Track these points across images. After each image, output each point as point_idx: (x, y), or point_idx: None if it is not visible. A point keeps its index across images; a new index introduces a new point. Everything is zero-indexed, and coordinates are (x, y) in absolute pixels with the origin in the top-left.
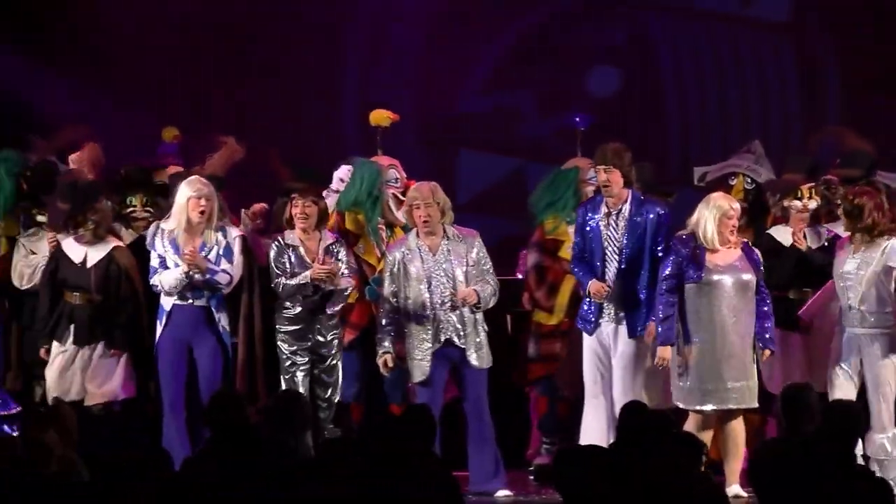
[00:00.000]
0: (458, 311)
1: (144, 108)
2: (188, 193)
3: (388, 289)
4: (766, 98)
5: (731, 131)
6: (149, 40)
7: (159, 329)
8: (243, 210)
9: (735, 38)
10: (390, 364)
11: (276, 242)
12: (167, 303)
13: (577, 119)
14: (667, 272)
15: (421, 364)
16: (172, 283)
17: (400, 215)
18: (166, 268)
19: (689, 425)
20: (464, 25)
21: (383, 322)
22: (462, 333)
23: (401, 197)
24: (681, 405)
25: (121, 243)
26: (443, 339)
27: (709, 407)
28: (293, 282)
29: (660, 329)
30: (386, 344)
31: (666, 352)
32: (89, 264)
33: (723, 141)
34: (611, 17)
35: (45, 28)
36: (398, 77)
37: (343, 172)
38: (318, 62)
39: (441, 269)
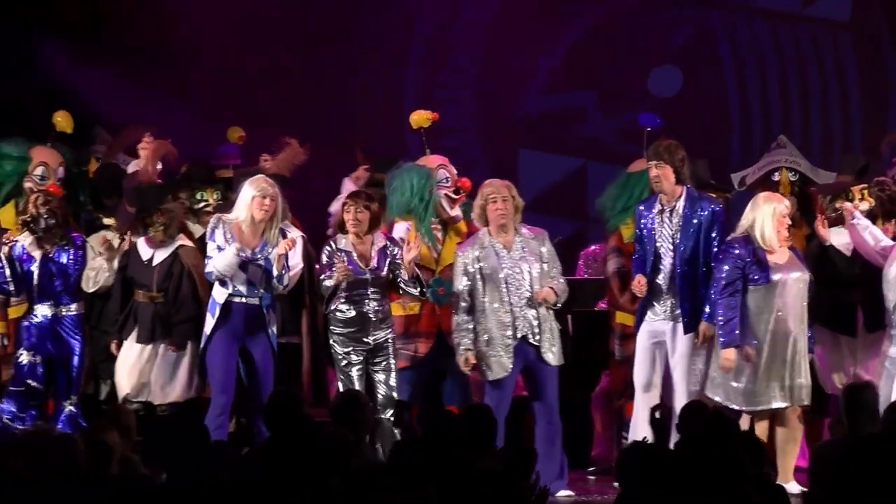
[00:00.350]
0: (533, 309)
1: (212, 108)
2: (252, 192)
3: (462, 287)
4: (826, 97)
5: (791, 130)
6: (218, 42)
7: (211, 321)
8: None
9: (796, 38)
10: (473, 361)
11: (327, 247)
12: (220, 296)
13: (645, 120)
14: (728, 276)
15: (501, 360)
16: (225, 262)
17: (455, 212)
18: None
19: (744, 422)
20: (526, 26)
21: (460, 320)
22: (537, 331)
23: (452, 195)
24: (736, 407)
25: (188, 242)
26: (519, 335)
27: (764, 407)
28: (329, 283)
29: (721, 332)
30: (466, 341)
31: (731, 353)
32: (155, 262)
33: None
34: (672, 18)
35: (109, 30)
36: (460, 78)
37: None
38: (381, 61)
39: (518, 265)
